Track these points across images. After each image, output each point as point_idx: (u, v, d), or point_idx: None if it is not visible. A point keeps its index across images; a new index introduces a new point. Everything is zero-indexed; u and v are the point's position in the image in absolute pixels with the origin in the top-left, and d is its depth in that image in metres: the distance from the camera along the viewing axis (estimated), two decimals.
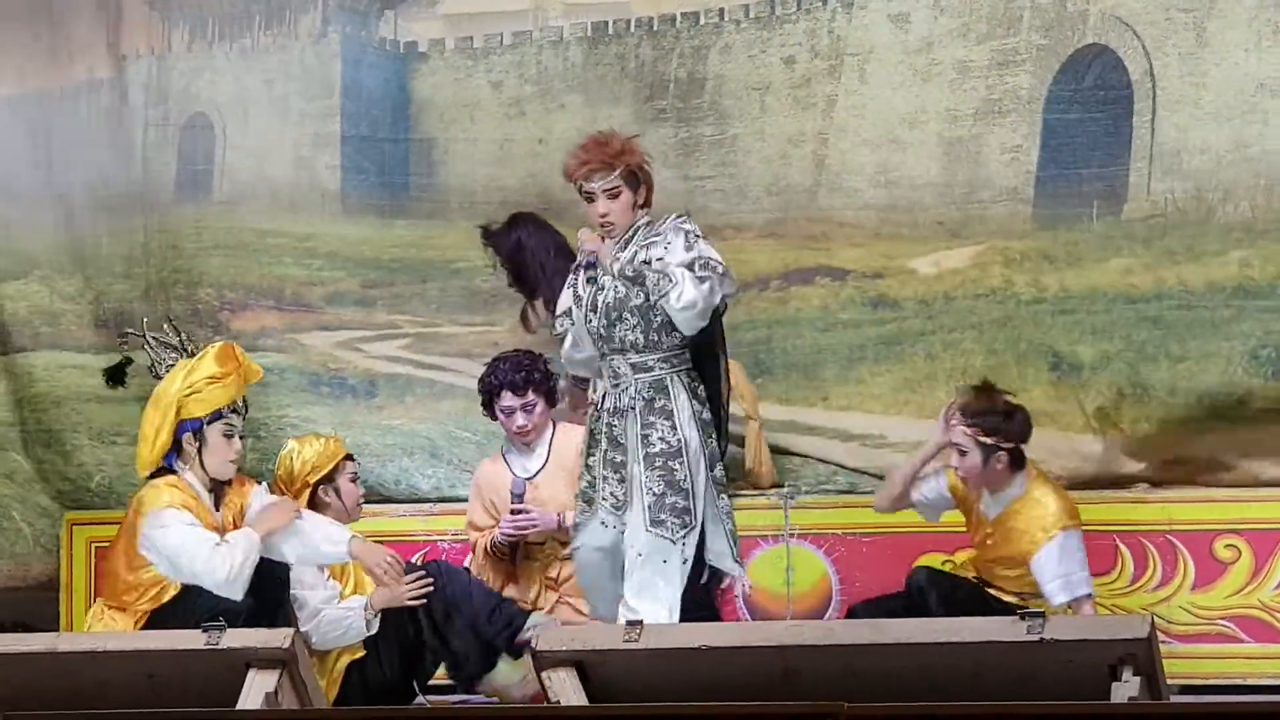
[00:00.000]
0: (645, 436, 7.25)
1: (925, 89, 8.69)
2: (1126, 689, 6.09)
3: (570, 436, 8.13)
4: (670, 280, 7.12)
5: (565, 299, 7.42)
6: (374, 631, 7.67)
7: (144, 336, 7.81)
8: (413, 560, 8.06)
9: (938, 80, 8.67)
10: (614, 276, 7.22)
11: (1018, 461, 7.76)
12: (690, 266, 7.15)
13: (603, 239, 7.30)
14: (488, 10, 9.08)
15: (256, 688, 6.41)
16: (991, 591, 7.83)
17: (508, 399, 8.16)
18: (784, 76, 8.85)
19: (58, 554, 9.21)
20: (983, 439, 7.70)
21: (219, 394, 7.47)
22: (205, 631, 6.50)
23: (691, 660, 6.36)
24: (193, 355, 7.64)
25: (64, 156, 9.38)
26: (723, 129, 8.92)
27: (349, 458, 8.03)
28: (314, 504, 7.86)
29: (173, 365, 7.62)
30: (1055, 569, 7.64)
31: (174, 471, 7.47)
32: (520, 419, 8.15)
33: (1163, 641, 6.62)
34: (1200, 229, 8.33)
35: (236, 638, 6.54)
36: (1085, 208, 8.56)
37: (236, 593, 7.28)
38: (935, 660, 6.26)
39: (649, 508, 7.22)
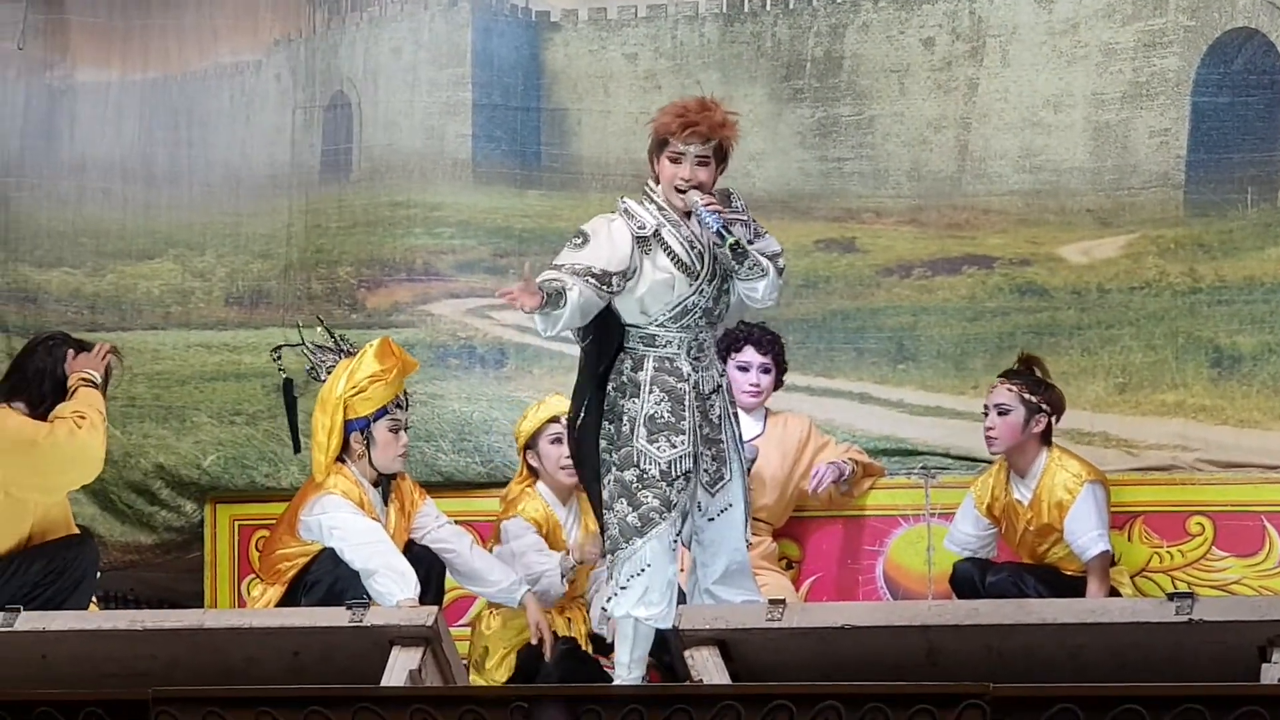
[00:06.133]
0: (735, 415, 6.98)
1: (1070, 71, 8.59)
2: (1277, 670, 6.03)
3: (794, 424, 8.20)
4: (762, 270, 6.78)
5: (615, 258, 6.75)
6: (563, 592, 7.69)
7: (302, 344, 7.84)
8: None
9: (1083, 63, 8.58)
10: (740, 246, 6.74)
11: (1046, 437, 7.83)
12: (775, 260, 6.86)
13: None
14: None
15: (400, 665, 6.45)
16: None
17: (749, 353, 8.14)
18: (923, 59, 8.75)
19: (179, 530, 9.27)
20: (1027, 395, 7.78)
21: (383, 391, 7.52)
22: (350, 609, 6.56)
23: (834, 639, 6.34)
24: (350, 355, 7.67)
25: (204, 138, 9.45)
26: (860, 109, 8.82)
27: (554, 419, 7.80)
28: (528, 468, 7.91)
29: (333, 367, 7.65)
30: (1089, 522, 7.69)
31: (342, 462, 7.52)
32: (754, 377, 8.12)
33: None
34: None
35: (380, 615, 6.59)
36: (1239, 194, 8.44)
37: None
38: (1081, 640, 6.22)
39: (747, 490, 6.98)
